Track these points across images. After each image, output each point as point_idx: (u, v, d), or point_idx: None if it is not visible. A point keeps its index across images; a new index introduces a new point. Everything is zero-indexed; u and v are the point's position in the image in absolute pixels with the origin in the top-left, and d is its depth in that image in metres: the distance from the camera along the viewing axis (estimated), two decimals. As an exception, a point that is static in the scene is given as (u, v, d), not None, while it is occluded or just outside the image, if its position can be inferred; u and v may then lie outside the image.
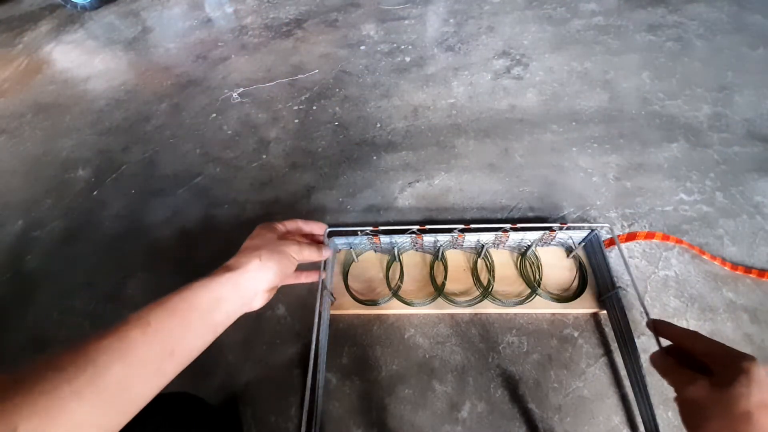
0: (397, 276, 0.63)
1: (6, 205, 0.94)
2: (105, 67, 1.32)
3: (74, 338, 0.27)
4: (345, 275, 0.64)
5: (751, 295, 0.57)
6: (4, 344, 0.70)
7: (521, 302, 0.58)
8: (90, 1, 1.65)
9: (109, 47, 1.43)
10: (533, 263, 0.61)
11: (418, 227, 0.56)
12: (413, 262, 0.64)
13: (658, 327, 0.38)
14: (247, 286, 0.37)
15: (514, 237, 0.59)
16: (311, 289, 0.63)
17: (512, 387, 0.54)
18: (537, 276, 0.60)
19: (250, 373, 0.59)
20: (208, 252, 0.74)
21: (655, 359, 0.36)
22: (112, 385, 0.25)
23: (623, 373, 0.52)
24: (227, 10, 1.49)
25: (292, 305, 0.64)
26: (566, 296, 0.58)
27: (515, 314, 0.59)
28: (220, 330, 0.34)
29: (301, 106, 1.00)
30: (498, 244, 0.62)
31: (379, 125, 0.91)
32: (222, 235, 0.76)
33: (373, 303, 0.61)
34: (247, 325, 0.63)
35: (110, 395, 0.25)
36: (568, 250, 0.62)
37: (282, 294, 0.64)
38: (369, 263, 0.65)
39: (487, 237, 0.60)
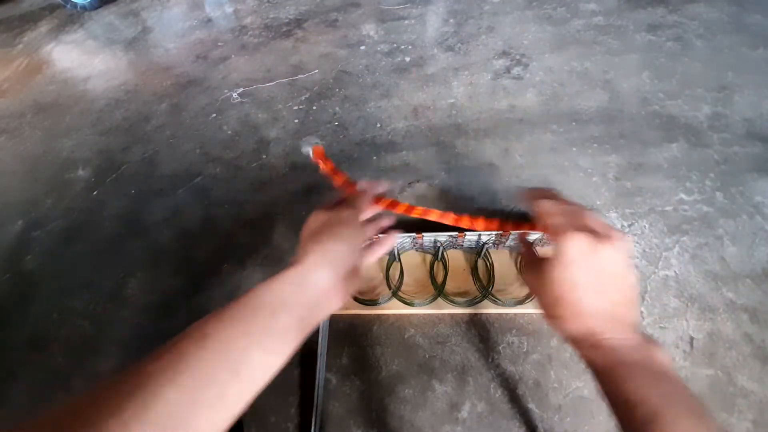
0: (397, 276, 0.63)
1: (6, 205, 0.94)
2: (105, 67, 1.32)
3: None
4: (345, 275, 0.64)
5: (751, 295, 0.57)
6: (4, 344, 0.70)
7: (521, 302, 0.58)
8: (90, 1, 1.65)
9: (109, 47, 1.43)
10: (533, 263, 0.61)
11: (415, 234, 0.56)
12: (413, 262, 0.64)
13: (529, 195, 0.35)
14: (313, 280, 0.29)
15: (514, 236, 0.59)
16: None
17: (512, 387, 0.54)
18: (537, 276, 0.60)
19: (250, 373, 0.59)
20: (208, 252, 0.74)
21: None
22: (163, 416, 0.20)
23: (623, 373, 0.52)
24: (227, 10, 1.49)
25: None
26: (566, 296, 0.58)
27: (515, 314, 0.59)
28: (293, 342, 0.27)
29: (301, 106, 1.00)
30: (498, 244, 0.62)
31: (379, 125, 0.91)
32: (222, 235, 0.76)
33: (373, 303, 0.61)
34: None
35: (161, 429, 0.20)
36: (568, 250, 0.62)
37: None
38: (369, 263, 0.65)
39: (486, 236, 0.60)
